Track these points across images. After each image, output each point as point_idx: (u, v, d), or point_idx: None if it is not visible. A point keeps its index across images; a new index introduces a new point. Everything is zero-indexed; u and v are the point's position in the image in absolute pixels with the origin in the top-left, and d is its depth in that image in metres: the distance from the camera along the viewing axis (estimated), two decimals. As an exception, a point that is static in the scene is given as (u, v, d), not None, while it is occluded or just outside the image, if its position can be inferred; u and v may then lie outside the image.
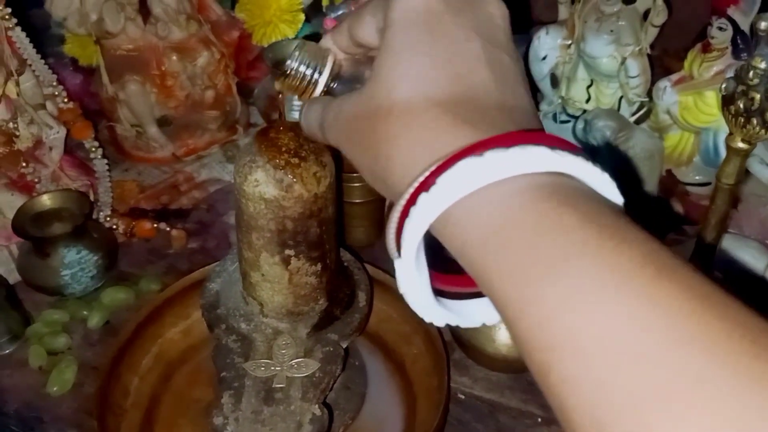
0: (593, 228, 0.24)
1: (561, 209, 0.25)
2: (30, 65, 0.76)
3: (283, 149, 0.48)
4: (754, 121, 0.47)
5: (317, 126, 0.37)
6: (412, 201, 0.27)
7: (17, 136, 0.75)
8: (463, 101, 0.30)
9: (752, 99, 0.47)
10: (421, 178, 0.27)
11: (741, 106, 0.48)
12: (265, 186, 0.47)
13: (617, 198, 0.27)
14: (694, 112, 0.82)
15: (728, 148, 0.51)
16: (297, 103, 0.83)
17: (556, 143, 0.26)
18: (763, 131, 0.47)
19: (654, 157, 0.84)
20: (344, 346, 0.55)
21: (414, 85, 0.30)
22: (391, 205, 0.30)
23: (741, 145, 0.50)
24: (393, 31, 0.32)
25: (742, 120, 0.48)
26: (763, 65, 0.46)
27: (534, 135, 0.27)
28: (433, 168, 0.27)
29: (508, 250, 0.25)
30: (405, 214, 0.28)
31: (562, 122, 0.95)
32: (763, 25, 0.44)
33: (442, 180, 0.26)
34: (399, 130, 0.30)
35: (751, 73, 0.46)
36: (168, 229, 0.82)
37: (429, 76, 0.30)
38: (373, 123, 0.31)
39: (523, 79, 0.32)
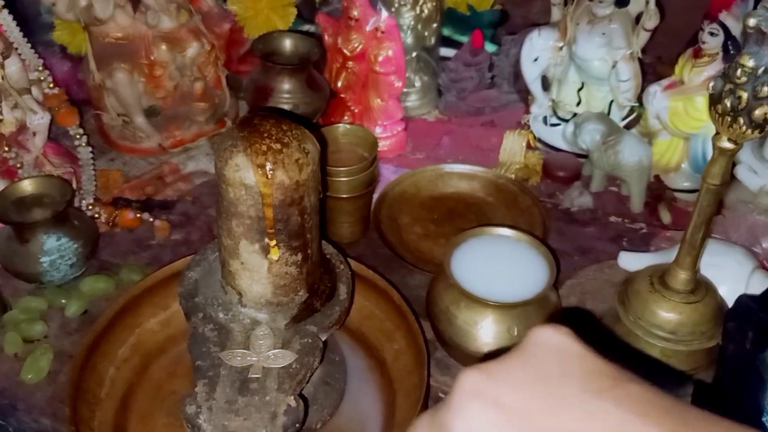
0: None
1: None
2: (16, 49, 0.75)
3: (265, 135, 0.47)
4: (741, 120, 0.47)
5: None
6: None
7: (0, 121, 0.74)
8: None
9: (739, 98, 0.46)
10: None
11: (728, 105, 0.47)
12: (246, 171, 0.47)
13: None
14: (683, 117, 0.82)
15: (715, 147, 0.51)
16: (286, 94, 0.82)
17: None
18: (749, 131, 0.47)
19: (642, 163, 0.84)
20: (323, 338, 0.54)
21: None
22: None
23: (727, 144, 0.50)
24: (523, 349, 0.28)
25: (729, 119, 0.48)
26: (751, 63, 0.45)
27: None
28: None
29: None
30: None
31: (553, 125, 0.94)
32: (751, 21, 0.44)
33: None
34: None
35: (738, 71, 0.46)
36: (151, 219, 0.81)
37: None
38: None
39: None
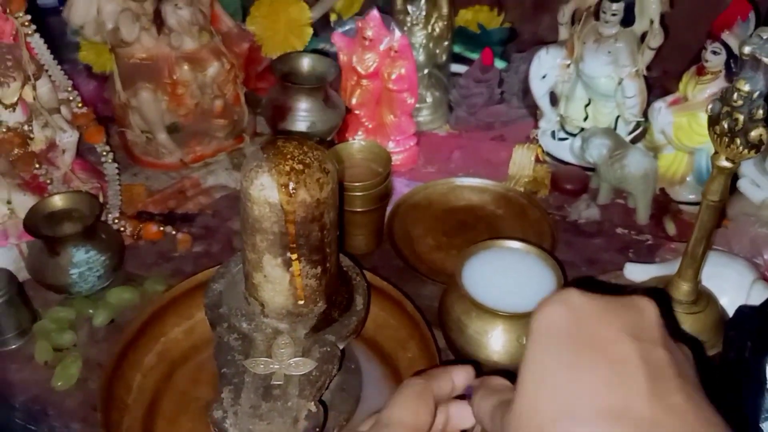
0: None
1: None
2: (47, 70, 0.79)
3: (288, 156, 0.50)
4: (738, 141, 0.50)
5: (489, 421, 0.37)
6: None
7: (32, 139, 0.78)
8: (612, 412, 0.28)
9: (736, 120, 0.49)
10: None
11: (726, 126, 0.50)
12: (270, 190, 0.50)
13: None
14: (687, 132, 0.84)
15: (713, 166, 0.53)
16: (303, 113, 0.86)
17: None
18: (746, 151, 0.50)
19: (648, 176, 0.86)
20: (341, 347, 0.57)
21: (559, 406, 0.29)
22: None
23: (725, 163, 0.52)
24: (533, 346, 0.31)
25: (727, 140, 0.50)
26: (746, 88, 0.48)
27: None
28: None
29: None
30: None
31: (561, 140, 0.97)
32: (746, 49, 0.46)
33: None
34: None
35: (735, 95, 0.49)
36: (174, 232, 0.85)
37: (573, 393, 0.29)
38: None
39: (684, 375, 0.29)
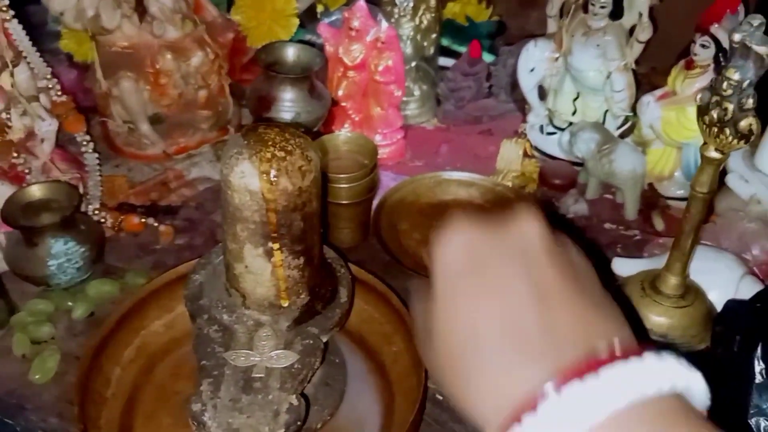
0: None
1: None
2: (25, 57, 0.77)
3: (270, 143, 0.49)
4: (727, 130, 0.49)
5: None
6: None
7: (9, 127, 0.76)
8: (512, 334, 0.31)
9: (725, 109, 0.48)
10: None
11: (715, 116, 0.49)
12: (251, 177, 0.49)
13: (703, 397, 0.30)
14: (676, 127, 0.84)
15: (702, 157, 0.53)
16: (288, 103, 0.84)
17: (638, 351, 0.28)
18: (735, 141, 0.49)
19: (636, 171, 0.85)
20: (324, 339, 0.56)
21: (465, 334, 0.32)
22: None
23: (714, 154, 0.51)
24: (437, 285, 0.33)
25: (716, 130, 0.50)
26: (736, 76, 0.47)
27: (600, 361, 0.28)
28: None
29: None
30: None
31: (549, 134, 0.96)
32: (736, 37, 0.46)
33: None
34: (471, 376, 0.31)
35: (724, 84, 0.48)
36: (156, 224, 0.83)
37: (475, 320, 0.31)
38: (448, 372, 0.33)
39: (573, 289, 0.32)
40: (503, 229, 0.33)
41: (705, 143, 0.52)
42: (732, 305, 0.57)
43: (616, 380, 0.27)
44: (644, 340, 0.31)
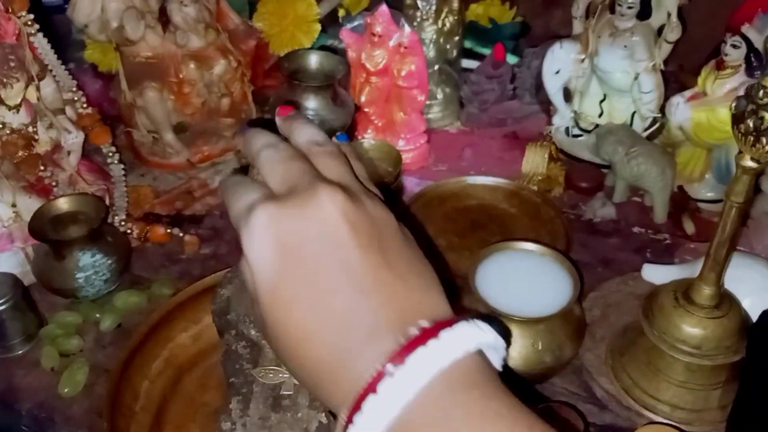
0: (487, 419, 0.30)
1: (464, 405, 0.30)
2: (51, 71, 0.78)
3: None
4: (764, 140, 0.48)
5: None
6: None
7: (36, 140, 0.77)
8: (340, 329, 0.32)
9: (762, 118, 0.47)
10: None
11: (751, 125, 0.48)
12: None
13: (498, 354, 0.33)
14: (706, 128, 0.82)
15: (738, 166, 0.51)
16: (311, 111, 0.84)
17: (448, 322, 0.31)
18: (772, 150, 0.48)
19: (666, 173, 0.84)
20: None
21: (300, 331, 0.32)
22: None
23: (750, 163, 0.50)
24: (258, 287, 0.33)
25: (752, 139, 0.48)
26: (773, 85, 0.46)
27: (425, 333, 0.31)
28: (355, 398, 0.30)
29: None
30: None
31: (575, 136, 0.95)
32: (773, 45, 0.44)
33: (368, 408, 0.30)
34: (308, 371, 0.33)
35: (761, 93, 0.47)
36: (181, 234, 0.83)
37: (304, 318, 0.32)
38: (291, 367, 0.34)
39: (380, 264, 0.33)
40: (306, 213, 0.33)
41: (740, 152, 0.51)
42: (767, 316, 0.56)
43: (428, 356, 0.30)
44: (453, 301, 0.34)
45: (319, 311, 0.32)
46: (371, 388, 0.30)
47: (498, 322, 0.32)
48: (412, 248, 0.35)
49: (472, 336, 0.31)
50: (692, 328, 0.59)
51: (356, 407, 0.30)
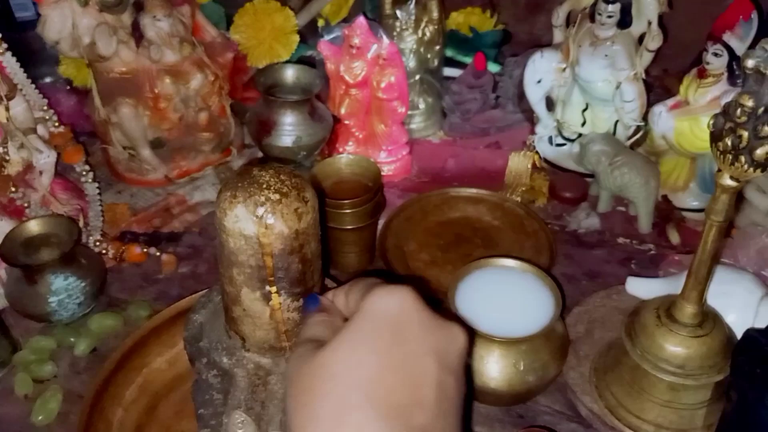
0: None
1: None
2: (21, 90, 0.76)
3: (264, 186, 0.47)
4: (743, 158, 0.46)
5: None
6: None
7: (7, 161, 0.75)
8: (397, 410, 0.33)
9: (740, 137, 0.46)
10: None
11: (729, 143, 0.47)
12: (245, 222, 0.47)
13: None
14: (689, 137, 0.81)
15: (717, 185, 0.50)
16: (289, 127, 0.83)
17: None
18: (751, 169, 0.46)
19: (650, 183, 0.83)
20: (327, 382, 0.54)
21: (356, 378, 0.34)
22: None
23: (730, 182, 0.49)
24: (361, 318, 0.36)
25: (731, 157, 0.47)
26: (750, 103, 0.45)
27: None
28: None
29: None
30: None
31: (558, 145, 0.94)
32: (750, 63, 0.43)
33: None
34: (330, 411, 0.33)
35: (738, 111, 0.46)
36: (158, 253, 0.82)
37: (374, 373, 0.34)
38: (311, 390, 0.35)
39: (459, 405, 0.36)
40: (439, 322, 0.36)
41: (719, 170, 0.50)
42: (751, 335, 0.54)
43: None
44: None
45: (390, 390, 0.34)
46: None
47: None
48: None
49: None
50: (675, 347, 0.58)
51: None
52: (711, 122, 0.49)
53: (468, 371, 0.38)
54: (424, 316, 0.36)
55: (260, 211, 0.46)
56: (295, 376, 0.36)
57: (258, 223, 0.47)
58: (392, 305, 0.36)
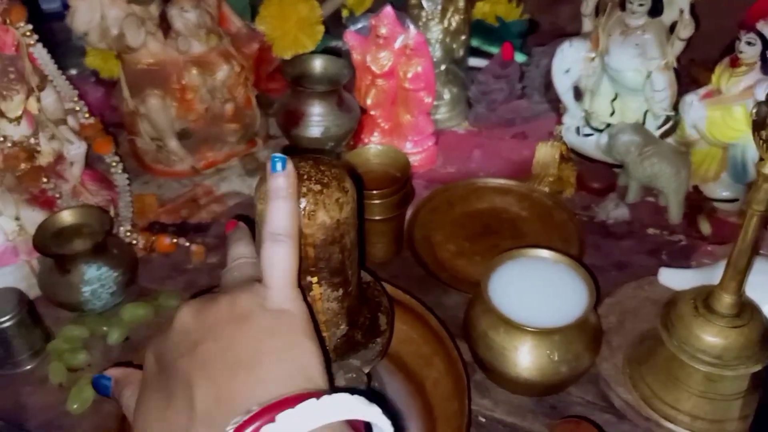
0: None
1: None
2: (51, 81, 0.76)
3: (305, 176, 0.47)
4: (788, 147, 0.46)
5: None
6: None
7: (38, 152, 0.75)
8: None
9: (785, 125, 0.45)
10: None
11: (773, 132, 0.46)
12: (287, 213, 0.47)
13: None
14: (721, 127, 0.80)
15: (758, 174, 0.50)
16: (317, 118, 0.82)
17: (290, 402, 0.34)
18: (796, 158, 0.46)
19: (680, 173, 0.82)
20: (367, 371, 0.54)
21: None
22: None
23: (773, 171, 0.48)
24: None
25: (775, 146, 0.47)
26: (797, 91, 0.44)
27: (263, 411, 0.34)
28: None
29: None
30: None
31: (586, 135, 0.93)
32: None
33: None
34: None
35: (784, 99, 0.45)
36: (187, 244, 0.82)
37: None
38: None
39: (230, 361, 0.37)
40: (167, 332, 0.39)
41: (761, 159, 0.49)
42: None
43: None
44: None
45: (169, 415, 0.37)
46: None
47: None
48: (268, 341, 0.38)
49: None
50: (713, 338, 0.58)
51: None
52: (754, 110, 0.48)
53: None
54: (165, 341, 0.39)
55: (302, 202, 0.47)
56: None
57: (300, 213, 0.47)
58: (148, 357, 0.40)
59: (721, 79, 0.80)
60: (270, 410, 0.33)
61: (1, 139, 0.71)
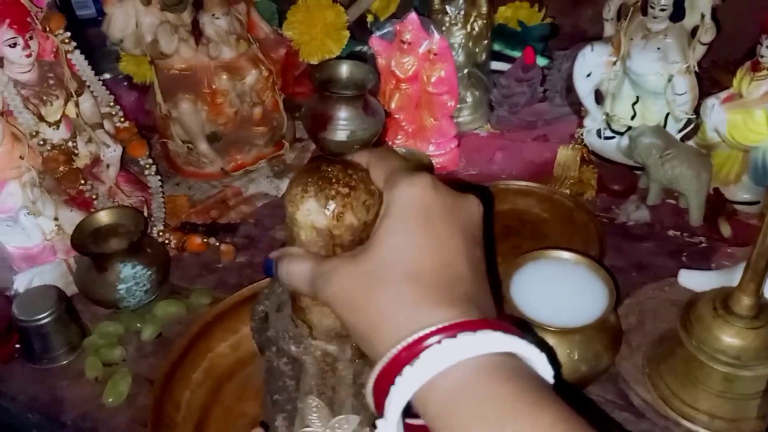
0: (524, 399, 0.32)
1: (505, 384, 0.33)
2: (89, 86, 0.79)
3: (333, 180, 0.49)
4: (806, 153, 0.47)
5: (306, 282, 0.44)
6: (396, 370, 0.34)
7: (76, 155, 0.79)
8: (443, 286, 0.37)
9: (804, 132, 0.46)
10: (402, 346, 0.34)
11: (792, 138, 0.47)
12: (317, 215, 0.49)
13: (548, 371, 0.35)
14: (742, 130, 0.81)
15: (779, 178, 0.51)
16: (343, 122, 0.84)
17: (509, 329, 0.35)
18: (815, 164, 0.47)
19: (701, 176, 0.83)
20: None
21: (405, 268, 0.37)
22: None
23: (792, 175, 0.49)
24: (392, 217, 0.40)
25: (793, 152, 0.48)
26: (815, 99, 0.45)
27: (493, 322, 0.35)
28: (415, 338, 0.34)
29: (461, 412, 0.33)
30: (387, 379, 0.34)
31: (607, 138, 0.94)
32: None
33: (425, 356, 0.33)
34: (387, 302, 0.37)
35: (802, 106, 0.46)
36: (217, 243, 0.85)
37: (417, 261, 0.37)
38: (366, 292, 0.38)
39: (485, 270, 0.40)
40: (456, 199, 0.40)
41: (781, 163, 0.50)
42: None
43: (491, 339, 0.34)
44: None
45: (436, 263, 0.37)
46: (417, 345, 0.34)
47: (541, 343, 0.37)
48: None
49: (513, 342, 0.34)
50: (731, 339, 0.59)
51: (399, 362, 0.34)
52: (773, 117, 0.49)
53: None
54: (445, 198, 0.40)
55: (331, 204, 0.49)
56: (347, 287, 0.40)
57: (329, 216, 0.49)
58: (416, 194, 0.40)
59: (742, 83, 0.81)
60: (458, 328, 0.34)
61: (41, 142, 0.74)
